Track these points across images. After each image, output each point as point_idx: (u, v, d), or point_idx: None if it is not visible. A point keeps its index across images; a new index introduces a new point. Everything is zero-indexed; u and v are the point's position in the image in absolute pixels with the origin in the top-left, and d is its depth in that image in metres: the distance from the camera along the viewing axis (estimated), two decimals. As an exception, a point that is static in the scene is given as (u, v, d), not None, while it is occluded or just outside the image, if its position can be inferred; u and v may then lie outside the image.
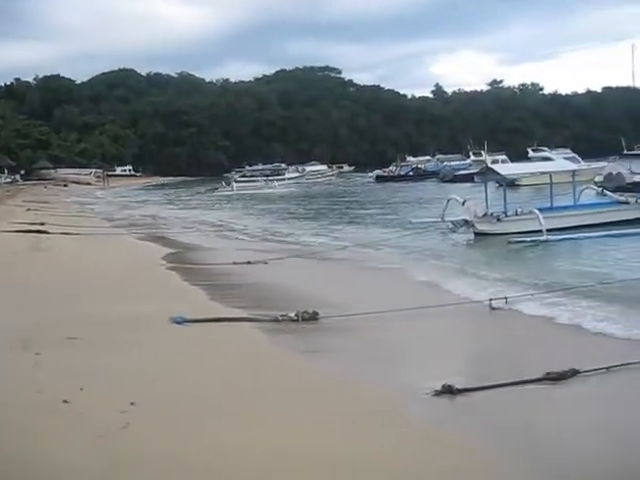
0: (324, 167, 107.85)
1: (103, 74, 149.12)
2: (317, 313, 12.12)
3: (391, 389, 8.48)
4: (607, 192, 29.61)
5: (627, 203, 27.48)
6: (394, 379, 8.95)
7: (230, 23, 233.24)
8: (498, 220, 25.52)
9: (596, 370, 8.79)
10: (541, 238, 22.98)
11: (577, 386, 8.48)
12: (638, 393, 8.48)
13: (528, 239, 22.90)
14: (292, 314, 12.04)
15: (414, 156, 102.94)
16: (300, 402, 7.98)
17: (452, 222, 26.64)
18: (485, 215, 25.81)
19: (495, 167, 31.70)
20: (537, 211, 24.72)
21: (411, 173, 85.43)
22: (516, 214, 25.81)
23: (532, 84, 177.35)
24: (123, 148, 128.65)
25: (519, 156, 68.97)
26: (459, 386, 8.12)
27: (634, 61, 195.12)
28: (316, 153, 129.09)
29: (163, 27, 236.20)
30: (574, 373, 8.64)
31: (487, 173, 30.13)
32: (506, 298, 13.05)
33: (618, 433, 7.12)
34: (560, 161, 42.44)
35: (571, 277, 16.32)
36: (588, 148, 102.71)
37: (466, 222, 25.78)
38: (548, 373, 8.55)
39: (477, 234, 25.27)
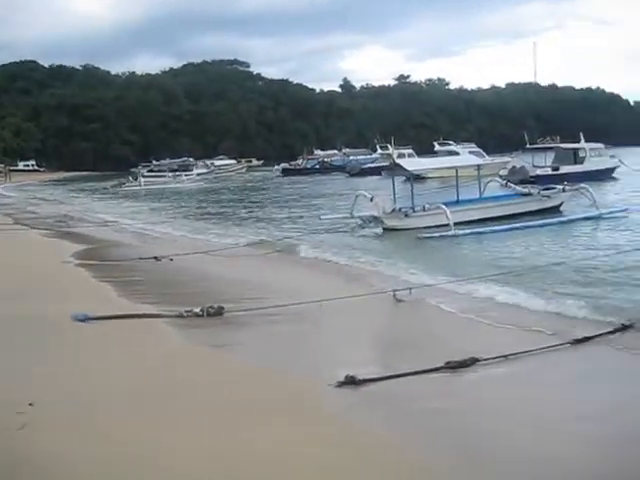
0: (232, 161, 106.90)
1: (3, 66, 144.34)
2: (222, 308, 12.08)
3: (295, 381, 8.57)
4: (511, 184, 30.42)
5: (530, 195, 28.44)
6: (298, 371, 9.01)
7: (137, 15, 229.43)
8: (406, 216, 25.75)
9: (495, 358, 9.07)
10: (449, 233, 23.32)
11: (476, 373, 8.75)
12: (531, 378, 8.77)
13: (436, 234, 23.17)
14: (197, 309, 11.97)
15: (322, 150, 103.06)
16: (206, 397, 7.98)
17: (361, 218, 26.80)
18: (393, 211, 26.01)
19: (402, 162, 31.91)
20: (444, 206, 25.08)
21: (317, 167, 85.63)
22: (424, 209, 26.01)
23: (438, 80, 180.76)
24: (25, 142, 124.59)
25: (426, 150, 69.81)
26: (362, 377, 8.25)
27: (535, 58, 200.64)
28: (225, 147, 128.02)
29: (68, 19, 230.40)
30: (474, 361, 8.89)
31: (394, 168, 30.40)
32: (410, 289, 13.26)
33: (513, 415, 7.45)
34: (465, 155, 43.25)
35: (474, 268, 16.69)
36: (493, 142, 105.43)
37: (375, 218, 25.99)
38: (448, 362, 8.77)
39: (386, 230, 25.49)
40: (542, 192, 28.60)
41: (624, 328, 10.48)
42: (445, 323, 11.71)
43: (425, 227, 24.31)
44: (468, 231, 23.62)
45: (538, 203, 27.99)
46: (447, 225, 23.80)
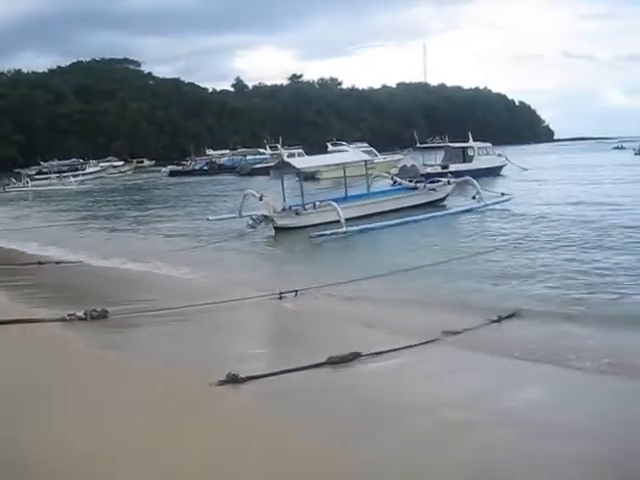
0: (121, 162, 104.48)
1: None
2: (106, 311, 11.92)
3: (178, 381, 8.53)
4: (396, 179, 30.96)
5: (416, 189, 29.07)
6: (182, 371, 8.95)
7: (21, 11, 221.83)
8: (297, 214, 25.75)
9: (376, 354, 9.28)
10: (341, 230, 23.44)
11: (357, 368, 8.92)
12: (406, 371, 9.08)
13: (329, 232, 23.17)
14: (81, 313, 11.78)
15: (215, 150, 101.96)
16: (83, 398, 7.93)
17: (252, 218, 26.48)
18: (284, 209, 25.97)
19: (290, 160, 32.08)
20: (334, 203, 25.28)
21: (206, 167, 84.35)
22: (314, 207, 26.16)
23: (331, 79, 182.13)
24: None
25: (319, 150, 70.13)
26: (244, 374, 8.29)
27: (426, 59, 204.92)
28: (115, 147, 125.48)
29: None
30: (355, 356, 9.03)
31: (282, 167, 30.43)
32: (296, 291, 13.35)
33: (387, 404, 7.71)
34: (353, 152, 43.72)
35: (362, 268, 16.85)
36: (384, 141, 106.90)
37: (265, 217, 25.77)
38: (330, 357, 8.89)
39: (277, 229, 25.35)
40: (428, 185, 29.35)
41: (499, 320, 10.92)
42: (329, 322, 11.82)
43: (316, 224, 24.38)
44: (360, 227, 23.87)
45: (425, 196, 28.82)
46: (339, 222, 23.96)
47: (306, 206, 26.29)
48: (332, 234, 22.99)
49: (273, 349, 10.71)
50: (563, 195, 32.72)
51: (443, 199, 29.36)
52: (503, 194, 29.54)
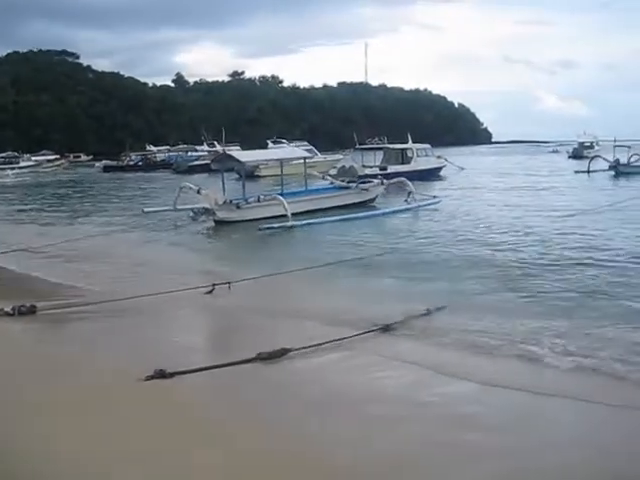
0: (56, 156, 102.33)
1: None
2: (35, 307, 11.72)
3: (105, 377, 8.45)
4: (328, 177, 31.10)
5: (348, 188, 29.26)
6: (110, 367, 8.87)
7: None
8: (238, 207, 25.65)
9: (305, 348, 9.32)
10: (288, 224, 23.57)
11: (285, 363, 8.97)
12: (335, 365, 9.15)
13: (276, 224, 23.36)
14: (8, 309, 11.55)
15: (155, 145, 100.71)
16: (19, 395, 7.88)
17: (193, 210, 26.47)
18: (225, 203, 25.82)
19: (233, 153, 31.92)
20: (281, 197, 25.39)
21: (140, 163, 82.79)
22: (258, 200, 26.12)
23: (272, 77, 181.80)
24: None
25: (260, 148, 69.83)
26: (171, 370, 8.25)
27: (367, 59, 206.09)
28: (52, 141, 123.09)
29: None
30: (285, 352, 9.05)
31: (224, 160, 30.26)
32: (229, 283, 13.29)
33: (318, 402, 7.77)
34: (293, 149, 43.75)
35: (297, 260, 16.95)
36: (325, 140, 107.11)
37: (207, 210, 25.72)
38: (260, 353, 8.89)
39: (217, 222, 25.26)
40: (360, 185, 29.60)
41: (428, 313, 11.16)
42: (261, 316, 11.77)
43: (258, 219, 24.40)
44: (305, 222, 23.98)
45: (357, 196, 29.10)
46: (281, 216, 24.07)
47: (249, 200, 26.19)
48: (280, 227, 23.21)
49: (203, 344, 10.66)
50: (496, 197, 33.57)
51: (374, 199, 29.71)
52: (435, 197, 30.23)
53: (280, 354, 8.99)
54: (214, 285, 13.20)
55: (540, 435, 6.74)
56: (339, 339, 9.67)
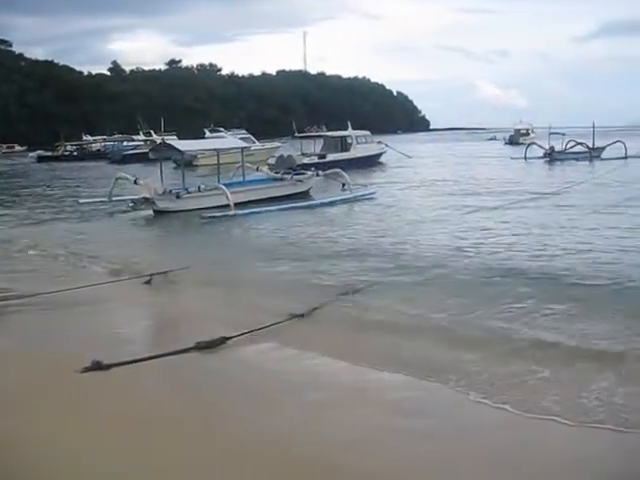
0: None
1: None
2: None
3: (42, 369, 8.31)
4: (263, 169, 30.96)
5: (283, 180, 29.19)
6: (46, 359, 8.69)
7: None
8: (178, 197, 25.42)
9: (242, 334, 9.35)
10: (230, 213, 23.50)
11: (225, 352, 8.94)
12: (268, 356, 9.10)
13: (219, 214, 23.30)
14: None
15: (91, 135, 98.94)
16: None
17: (132, 200, 26.04)
18: (165, 192, 25.58)
19: (172, 142, 31.57)
20: (224, 187, 25.24)
21: (76, 154, 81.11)
22: (199, 190, 25.93)
23: (210, 65, 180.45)
24: None
25: (197, 136, 69.13)
26: (108, 361, 8.14)
27: (305, 47, 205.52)
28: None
29: None
30: (223, 340, 8.98)
31: (162, 149, 29.91)
32: (166, 272, 13.15)
33: (258, 389, 7.77)
34: (232, 139, 43.48)
35: (234, 249, 17.00)
36: (263, 128, 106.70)
37: (146, 200, 25.32)
38: (198, 342, 8.80)
39: (157, 212, 24.99)
40: (295, 177, 29.50)
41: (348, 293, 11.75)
42: (198, 304, 11.75)
43: (198, 208, 24.32)
44: (246, 211, 23.97)
45: (293, 187, 29.02)
46: (221, 206, 23.98)
47: (190, 189, 25.97)
48: (223, 216, 23.16)
49: (141, 335, 10.48)
50: (433, 185, 33.81)
51: (309, 190, 29.67)
52: (365, 186, 30.78)
53: (219, 342, 8.93)
54: (152, 275, 13.07)
55: (458, 421, 6.93)
56: (273, 324, 9.79)
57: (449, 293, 11.75)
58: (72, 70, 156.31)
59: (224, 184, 26.36)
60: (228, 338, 9.02)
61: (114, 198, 26.76)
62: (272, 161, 36.32)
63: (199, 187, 26.22)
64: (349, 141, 48.49)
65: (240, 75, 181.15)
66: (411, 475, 5.87)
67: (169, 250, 18.55)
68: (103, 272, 14.34)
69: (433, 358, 8.58)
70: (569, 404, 7.01)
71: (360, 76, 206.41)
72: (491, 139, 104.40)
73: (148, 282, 12.95)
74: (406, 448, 6.30)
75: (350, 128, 49.89)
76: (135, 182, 26.16)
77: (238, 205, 24.39)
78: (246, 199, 25.75)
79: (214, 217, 23.10)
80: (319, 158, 44.03)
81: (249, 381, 8.05)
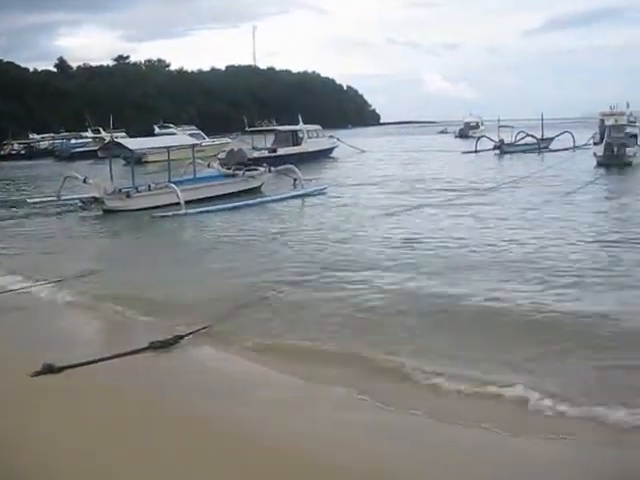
0: None
1: None
2: None
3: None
4: (214, 166, 30.75)
5: (234, 176, 28.94)
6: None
7: None
8: (128, 196, 25.05)
9: (196, 331, 9.39)
10: (181, 212, 23.29)
11: (180, 351, 8.92)
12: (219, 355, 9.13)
13: (170, 213, 23.06)
14: None
15: (38, 133, 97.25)
16: None
17: (81, 200, 25.68)
18: (114, 191, 25.19)
19: (121, 141, 31.13)
20: (174, 185, 24.95)
21: (23, 152, 79.39)
22: (149, 189, 25.58)
23: (158, 61, 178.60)
24: None
25: (146, 133, 68.33)
26: (60, 364, 8.06)
27: (255, 42, 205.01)
28: None
29: None
30: (178, 339, 8.91)
31: (112, 148, 29.49)
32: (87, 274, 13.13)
33: (214, 388, 7.78)
34: (182, 136, 43.14)
35: (187, 247, 16.96)
36: (213, 124, 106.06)
37: (96, 199, 24.98)
38: (152, 342, 8.70)
39: (106, 211, 24.62)
40: (247, 173, 29.21)
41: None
42: (148, 304, 11.60)
43: (149, 207, 24.06)
44: (197, 210, 23.73)
45: (245, 183, 28.75)
46: (172, 205, 23.74)
47: (140, 188, 25.60)
48: (174, 215, 22.94)
49: (93, 336, 10.40)
50: (384, 179, 33.72)
51: (261, 186, 29.44)
52: (312, 180, 30.79)
53: (173, 341, 8.85)
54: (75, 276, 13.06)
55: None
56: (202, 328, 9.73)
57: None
58: (17, 66, 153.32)
59: (175, 182, 26.09)
60: (182, 336, 8.96)
61: (63, 197, 26.29)
62: (222, 155, 36.09)
63: (149, 186, 25.81)
64: (300, 135, 48.51)
65: (189, 71, 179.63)
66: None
67: (116, 250, 18.51)
68: (49, 272, 14.12)
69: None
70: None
71: (310, 71, 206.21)
72: (442, 132, 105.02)
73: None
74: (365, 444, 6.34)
75: (301, 123, 49.87)
76: (84, 181, 25.77)
77: (190, 203, 24.17)
78: (197, 197, 25.52)
79: (164, 216, 22.85)
80: (270, 152, 43.94)
81: (203, 380, 8.02)
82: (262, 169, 29.72)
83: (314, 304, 11.03)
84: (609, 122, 38.02)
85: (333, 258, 14.99)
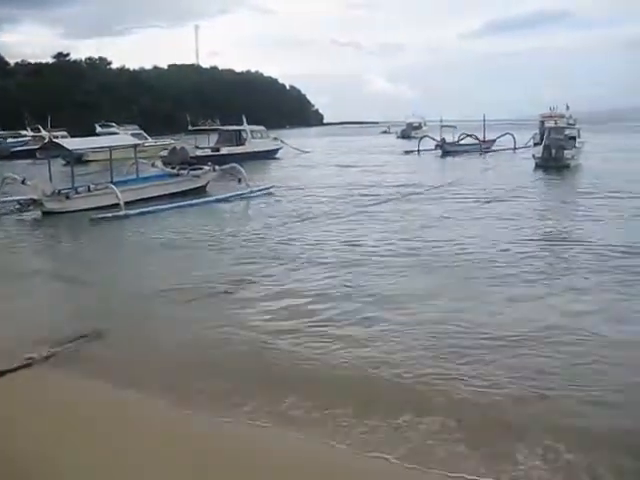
0: None
1: None
2: None
3: None
4: (158, 165, 30.47)
5: (179, 175, 28.73)
6: None
7: None
8: (67, 198, 24.59)
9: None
10: (120, 213, 23.00)
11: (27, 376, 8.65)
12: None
13: (110, 214, 22.74)
14: None
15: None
16: None
17: (19, 202, 25.09)
18: (54, 193, 24.68)
19: (60, 141, 30.58)
20: (113, 186, 24.63)
21: None
22: (89, 190, 25.15)
23: (100, 59, 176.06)
24: None
25: (88, 132, 67.13)
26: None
27: (198, 41, 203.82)
28: None
29: None
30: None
31: (50, 148, 28.96)
32: None
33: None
34: (124, 136, 42.64)
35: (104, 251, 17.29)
36: (156, 123, 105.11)
37: (34, 201, 24.48)
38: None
39: (45, 213, 24.17)
40: (192, 172, 29.02)
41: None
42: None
43: (89, 209, 23.67)
44: (138, 210, 23.48)
45: (189, 182, 28.57)
46: (112, 206, 23.44)
47: (79, 189, 25.18)
48: (113, 217, 22.65)
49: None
50: (326, 179, 34.12)
51: (206, 185, 29.31)
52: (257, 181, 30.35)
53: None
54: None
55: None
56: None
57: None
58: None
59: (118, 182, 25.78)
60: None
61: (1, 199, 25.77)
62: (164, 153, 35.74)
63: (89, 187, 25.39)
64: (244, 135, 48.64)
65: (131, 69, 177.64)
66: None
67: (50, 253, 18.40)
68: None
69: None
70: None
71: (253, 70, 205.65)
72: (384, 132, 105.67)
73: None
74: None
75: (245, 123, 49.84)
76: (23, 182, 25.28)
77: (132, 204, 23.91)
78: (140, 197, 25.28)
79: (104, 218, 22.54)
80: (213, 151, 43.84)
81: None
82: (207, 168, 29.48)
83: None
84: (549, 124, 38.73)
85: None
